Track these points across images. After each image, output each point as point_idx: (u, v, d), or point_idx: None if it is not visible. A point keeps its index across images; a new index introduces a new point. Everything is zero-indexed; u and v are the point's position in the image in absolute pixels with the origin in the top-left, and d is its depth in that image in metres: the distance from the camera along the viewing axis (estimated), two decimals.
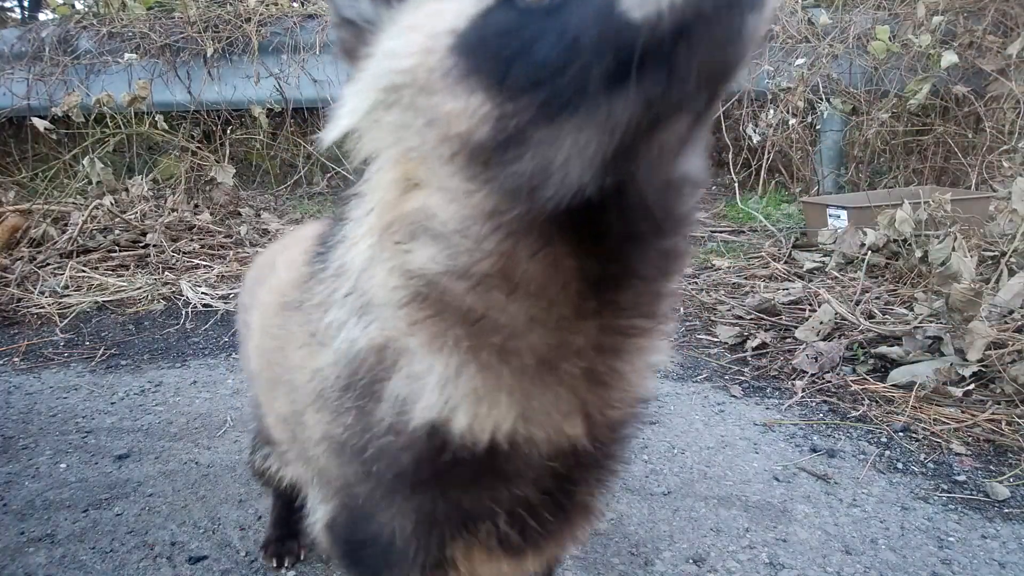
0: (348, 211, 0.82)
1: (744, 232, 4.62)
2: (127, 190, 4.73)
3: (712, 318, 3.09)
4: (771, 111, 5.33)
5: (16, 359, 2.86)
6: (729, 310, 3.12)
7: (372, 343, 0.79)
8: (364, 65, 0.76)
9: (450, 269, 0.70)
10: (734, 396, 2.43)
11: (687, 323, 3.09)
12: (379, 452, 0.82)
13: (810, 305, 3.01)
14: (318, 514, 1.00)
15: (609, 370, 0.79)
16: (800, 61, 5.28)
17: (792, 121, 5.24)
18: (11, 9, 10.00)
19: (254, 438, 1.57)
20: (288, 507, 1.59)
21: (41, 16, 7.77)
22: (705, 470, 1.98)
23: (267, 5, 6.05)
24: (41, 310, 3.33)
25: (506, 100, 0.60)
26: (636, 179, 0.64)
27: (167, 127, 5.13)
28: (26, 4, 9.76)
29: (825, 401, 2.35)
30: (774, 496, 1.85)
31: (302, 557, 1.62)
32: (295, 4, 6.36)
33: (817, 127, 5.55)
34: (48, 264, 3.88)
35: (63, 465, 2.05)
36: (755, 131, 5.35)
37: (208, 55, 5.77)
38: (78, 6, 6.39)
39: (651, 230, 0.70)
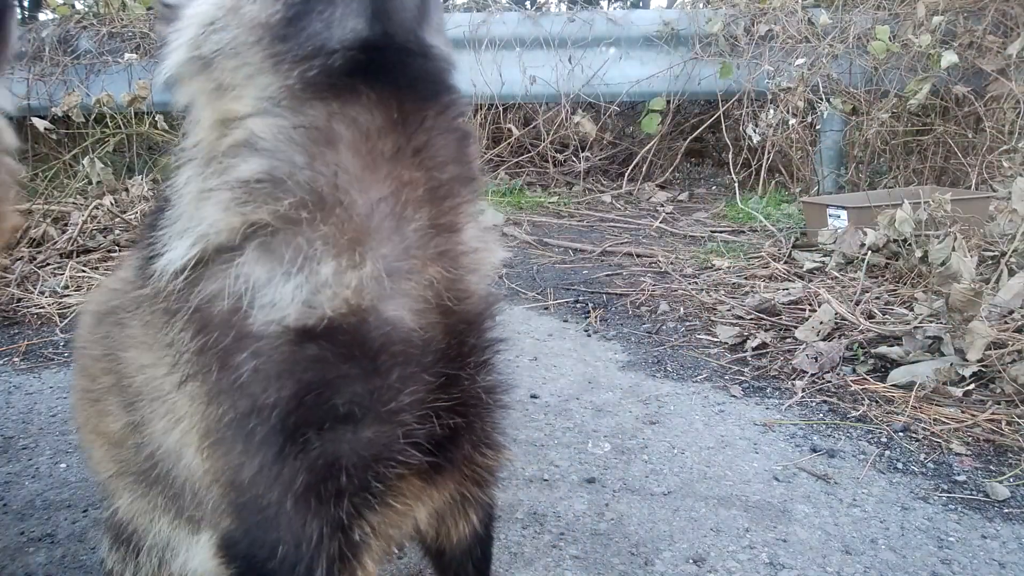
0: (176, 168, 0.92)
1: (744, 232, 4.62)
2: (127, 190, 4.72)
3: (712, 318, 3.09)
4: (771, 111, 5.33)
5: (16, 359, 2.86)
6: (729, 310, 3.12)
7: (213, 252, 0.84)
8: (176, 27, 0.91)
9: (275, 167, 0.82)
10: (734, 396, 2.43)
11: (687, 323, 3.09)
12: (254, 374, 0.80)
13: (810, 305, 3.01)
14: (201, 543, 0.96)
15: (444, 237, 0.88)
16: (800, 61, 5.28)
17: (792, 121, 5.24)
18: None
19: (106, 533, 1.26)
20: None
21: (41, 16, 7.76)
22: (705, 470, 1.98)
23: None
24: (41, 310, 3.33)
25: None
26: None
27: (167, 127, 5.12)
28: (26, 4, 9.75)
29: (825, 401, 2.35)
30: (774, 496, 1.85)
31: None
32: None
33: (817, 127, 5.55)
34: (48, 264, 3.88)
35: (63, 465, 2.05)
36: (755, 131, 5.35)
37: None
38: (78, 6, 6.38)
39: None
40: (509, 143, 6.05)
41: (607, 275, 3.81)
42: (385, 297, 0.83)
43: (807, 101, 5.30)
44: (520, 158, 6.12)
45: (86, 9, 6.32)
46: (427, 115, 0.87)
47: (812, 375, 2.51)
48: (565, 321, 3.24)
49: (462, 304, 0.90)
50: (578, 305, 3.41)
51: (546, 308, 3.41)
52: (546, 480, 1.94)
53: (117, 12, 5.98)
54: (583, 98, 5.86)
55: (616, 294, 3.50)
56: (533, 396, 2.46)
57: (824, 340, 2.70)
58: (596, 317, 3.23)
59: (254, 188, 0.82)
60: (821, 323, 2.76)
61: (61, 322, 3.21)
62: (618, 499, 1.84)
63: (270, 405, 0.80)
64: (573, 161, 6.13)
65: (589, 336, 3.04)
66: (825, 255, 3.65)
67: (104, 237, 4.17)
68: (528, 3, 7.79)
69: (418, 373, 0.86)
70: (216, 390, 0.83)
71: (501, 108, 5.97)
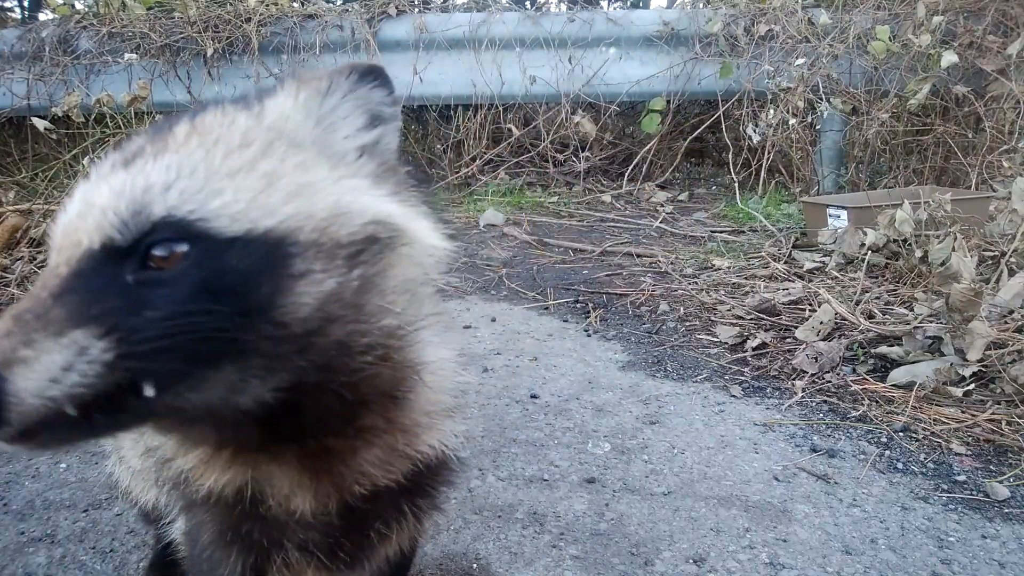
0: None
1: (744, 232, 4.62)
2: None
3: (712, 318, 3.09)
4: (771, 111, 5.33)
5: None
6: (729, 310, 3.12)
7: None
8: None
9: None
10: (734, 396, 2.43)
11: (687, 323, 3.09)
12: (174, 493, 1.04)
13: (810, 305, 3.00)
14: (178, 523, 1.15)
15: (327, 468, 0.92)
16: (800, 61, 5.28)
17: (792, 121, 5.24)
18: (11, 9, 9.99)
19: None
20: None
21: (41, 16, 7.76)
22: (705, 470, 1.98)
23: (267, 5, 6.05)
24: None
25: None
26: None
27: None
28: (26, 4, 9.75)
29: (825, 401, 2.35)
30: (774, 496, 1.85)
31: None
32: (295, 4, 6.36)
33: (817, 127, 5.55)
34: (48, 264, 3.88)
35: (63, 465, 2.05)
36: (755, 131, 5.35)
37: (208, 55, 5.77)
38: (78, 6, 6.39)
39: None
40: (509, 143, 6.05)
41: (607, 275, 3.81)
42: None
43: (807, 101, 5.30)
44: (520, 158, 6.12)
45: (86, 9, 6.33)
46: None
47: (812, 375, 2.51)
48: (565, 321, 3.24)
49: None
50: (578, 305, 3.41)
51: (546, 308, 3.41)
52: (546, 480, 1.94)
53: (117, 12, 5.99)
54: (583, 98, 5.86)
55: (616, 294, 3.50)
56: (533, 396, 2.46)
57: (824, 340, 2.70)
58: (596, 317, 3.23)
59: None
60: (821, 323, 2.76)
61: None
62: (618, 499, 1.84)
63: None
64: (573, 161, 6.13)
65: (589, 336, 3.04)
66: (825, 255, 3.65)
67: None
68: (528, 3, 7.79)
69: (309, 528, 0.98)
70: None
71: (501, 108, 5.97)
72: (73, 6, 6.31)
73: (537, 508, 1.81)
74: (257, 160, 0.78)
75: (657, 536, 1.69)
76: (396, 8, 6.06)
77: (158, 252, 0.71)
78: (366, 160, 0.86)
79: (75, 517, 1.79)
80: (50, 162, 5.25)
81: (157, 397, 0.71)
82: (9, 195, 4.76)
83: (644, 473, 1.97)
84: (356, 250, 0.78)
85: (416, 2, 6.39)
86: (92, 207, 0.75)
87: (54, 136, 5.17)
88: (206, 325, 0.70)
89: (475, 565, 1.60)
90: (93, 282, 0.71)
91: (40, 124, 4.72)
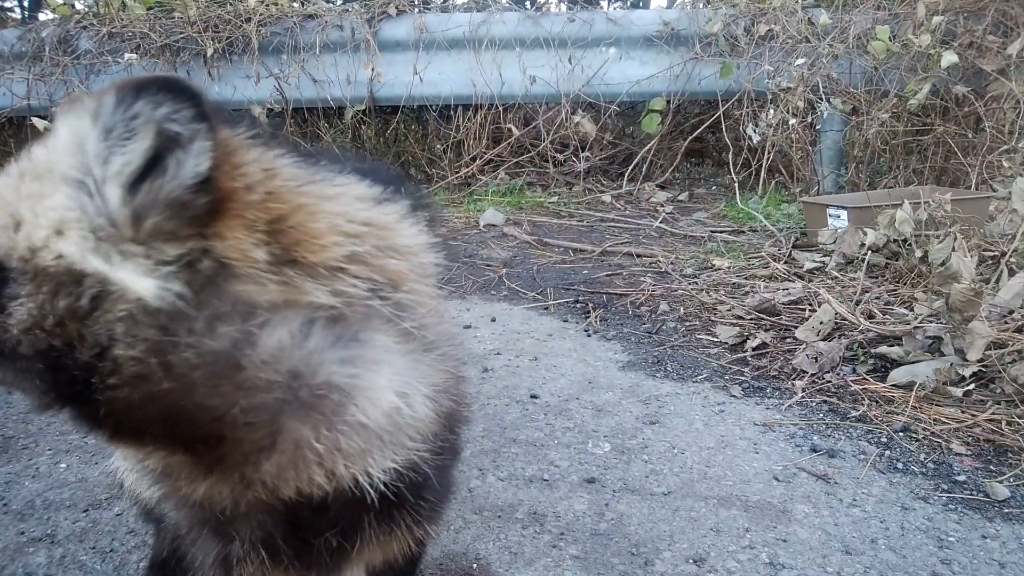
0: None
1: (744, 232, 4.62)
2: None
3: (712, 318, 3.09)
4: (771, 111, 5.33)
5: None
6: (729, 310, 3.12)
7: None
8: None
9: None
10: (734, 396, 2.43)
11: (687, 323, 3.09)
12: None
13: (810, 305, 3.01)
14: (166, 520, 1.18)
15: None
16: (800, 61, 5.28)
17: (792, 121, 5.24)
18: (11, 9, 9.99)
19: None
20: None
21: (41, 16, 7.76)
22: (705, 470, 1.98)
23: (267, 5, 6.05)
24: None
25: None
26: None
27: None
28: (26, 4, 9.76)
29: (825, 401, 2.35)
30: (774, 496, 1.85)
31: None
32: (295, 4, 6.37)
33: (817, 127, 5.55)
34: None
35: (63, 465, 2.05)
36: (755, 131, 5.35)
37: (208, 55, 5.77)
38: (78, 6, 6.39)
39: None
40: (509, 143, 6.05)
41: (607, 275, 3.81)
42: None
43: (807, 101, 5.30)
44: (520, 158, 6.12)
45: (86, 9, 6.33)
46: None
47: (812, 375, 2.51)
48: (565, 321, 3.24)
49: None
50: (578, 305, 3.41)
51: (546, 308, 3.41)
52: (546, 480, 1.94)
53: (117, 12, 5.99)
54: (583, 98, 5.86)
55: (616, 294, 3.50)
56: (533, 396, 2.46)
57: (824, 340, 2.70)
58: (596, 317, 3.23)
59: None
60: (821, 323, 2.76)
61: None
62: (618, 499, 1.84)
63: None
64: (573, 161, 6.13)
65: (589, 336, 3.05)
66: (825, 255, 3.65)
67: None
68: (528, 3, 7.79)
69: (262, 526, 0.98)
70: None
71: (501, 108, 5.97)
72: (73, 6, 6.31)
73: (537, 508, 1.81)
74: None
75: (657, 536, 1.69)
76: (396, 8, 6.06)
77: None
78: (129, 194, 0.75)
79: (75, 517, 1.79)
80: None
81: None
82: None
83: (644, 473, 1.97)
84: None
85: (416, 2, 6.39)
86: None
87: None
88: None
89: (475, 565, 1.60)
90: None
91: (40, 124, 4.73)
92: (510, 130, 5.98)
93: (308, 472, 0.87)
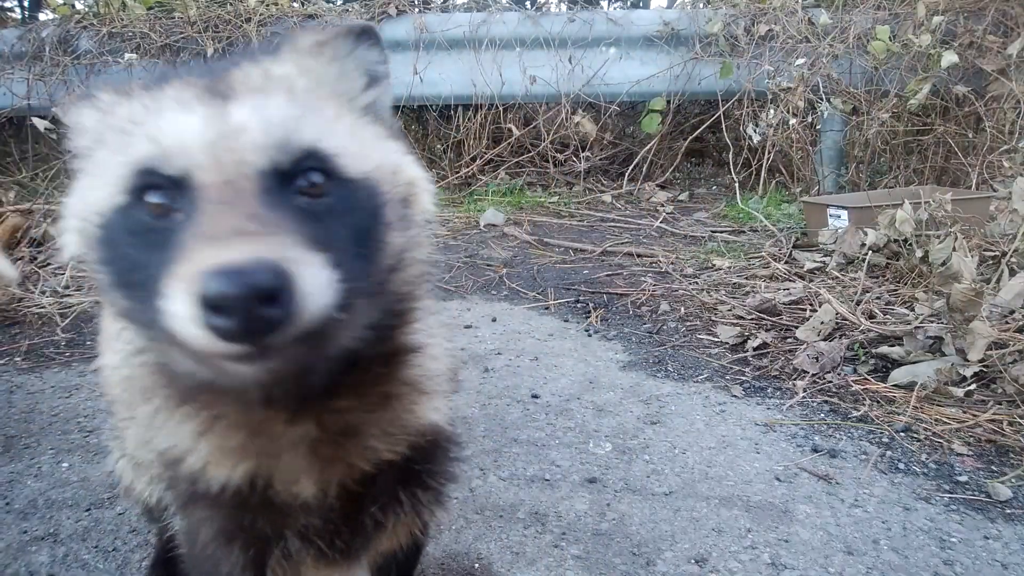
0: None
1: (744, 232, 4.63)
2: None
3: (713, 318, 3.09)
4: (771, 111, 5.34)
5: (18, 359, 2.86)
6: (730, 310, 3.12)
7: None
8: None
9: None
10: (735, 396, 2.43)
11: (688, 323, 3.09)
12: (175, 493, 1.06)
13: (811, 305, 3.01)
14: (177, 522, 1.17)
15: (335, 442, 0.94)
16: (800, 61, 5.29)
17: (792, 121, 5.25)
18: (11, 9, 9.98)
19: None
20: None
21: (41, 16, 7.76)
22: (706, 470, 1.98)
23: (267, 5, 6.05)
24: (42, 310, 3.32)
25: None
26: None
27: None
28: (26, 4, 9.75)
29: (826, 401, 2.35)
30: (776, 496, 1.85)
31: None
32: (295, 4, 6.36)
33: (817, 127, 5.55)
34: (49, 264, 3.88)
35: (65, 464, 2.05)
36: (755, 131, 5.35)
37: (208, 55, 5.77)
38: (78, 6, 6.38)
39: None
40: (509, 143, 6.05)
41: (608, 275, 3.81)
42: None
43: (807, 101, 5.30)
44: (520, 158, 6.12)
45: (86, 9, 6.32)
46: None
47: (813, 375, 2.51)
48: (566, 321, 3.24)
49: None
50: (579, 305, 3.41)
51: (547, 308, 3.41)
52: (547, 480, 1.94)
53: (117, 12, 5.98)
54: (583, 98, 5.86)
55: (617, 294, 3.50)
56: (534, 396, 2.46)
57: (825, 340, 2.70)
58: (597, 317, 3.23)
59: None
60: (822, 323, 2.76)
61: (62, 322, 3.21)
62: (619, 499, 1.85)
63: None
64: (573, 161, 6.13)
65: (590, 336, 3.05)
66: (826, 255, 3.65)
67: None
68: (528, 3, 7.79)
69: (308, 514, 1.01)
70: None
71: (501, 108, 5.97)
72: (73, 6, 6.30)
73: (539, 508, 1.81)
74: (332, 110, 0.85)
75: (659, 536, 1.69)
76: (396, 8, 6.06)
77: (315, 179, 0.77)
78: (373, 119, 0.91)
79: (78, 516, 1.79)
80: (50, 162, 5.25)
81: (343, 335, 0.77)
82: (9, 195, 4.76)
83: (645, 473, 1.97)
84: (403, 205, 0.86)
85: (416, 2, 6.38)
86: (236, 131, 0.76)
87: (54, 136, 5.17)
88: (380, 265, 0.80)
89: (476, 565, 1.60)
90: (280, 202, 0.74)
91: (40, 124, 4.72)
92: (510, 130, 5.97)
93: (411, 418, 1.00)
